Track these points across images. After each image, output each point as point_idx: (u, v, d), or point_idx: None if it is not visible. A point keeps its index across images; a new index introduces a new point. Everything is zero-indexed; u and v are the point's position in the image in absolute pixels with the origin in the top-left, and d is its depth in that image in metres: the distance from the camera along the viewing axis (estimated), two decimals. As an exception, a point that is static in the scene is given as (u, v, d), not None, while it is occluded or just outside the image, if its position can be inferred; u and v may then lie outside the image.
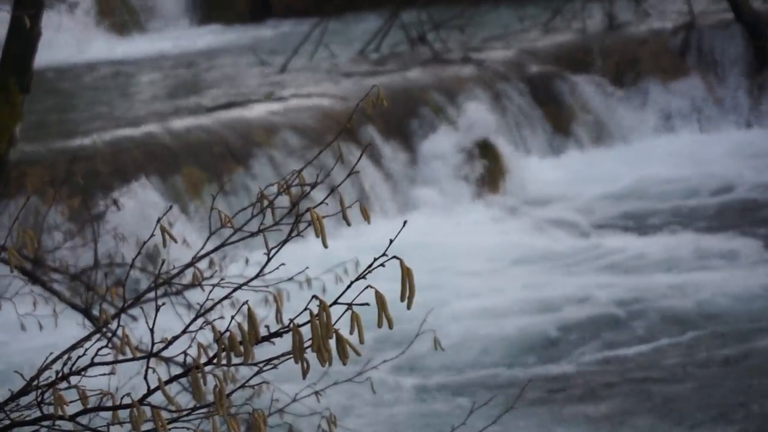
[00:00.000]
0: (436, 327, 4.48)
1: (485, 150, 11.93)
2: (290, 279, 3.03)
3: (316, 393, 3.72)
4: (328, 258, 4.45)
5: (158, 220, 2.17)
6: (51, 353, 2.49)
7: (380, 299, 2.06)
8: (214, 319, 2.48)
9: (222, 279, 2.33)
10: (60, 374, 2.45)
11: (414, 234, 10.15)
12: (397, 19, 15.33)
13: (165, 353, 2.53)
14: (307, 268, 3.08)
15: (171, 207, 2.54)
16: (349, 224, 2.38)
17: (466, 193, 11.48)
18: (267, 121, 11.12)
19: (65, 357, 2.53)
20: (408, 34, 15.14)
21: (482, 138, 12.05)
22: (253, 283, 2.65)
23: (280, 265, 2.40)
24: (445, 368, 7.38)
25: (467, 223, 10.79)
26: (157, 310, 2.17)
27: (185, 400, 3.47)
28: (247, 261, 4.70)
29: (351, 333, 2.10)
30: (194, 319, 2.19)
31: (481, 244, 10.08)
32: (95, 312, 5.27)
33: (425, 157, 11.71)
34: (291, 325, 1.97)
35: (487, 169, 11.80)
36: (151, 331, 2.16)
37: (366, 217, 2.68)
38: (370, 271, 2.06)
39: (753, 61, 13.46)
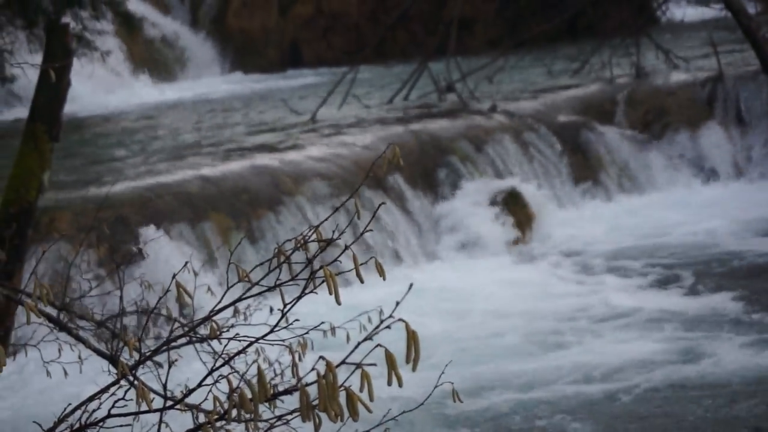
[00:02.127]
0: (457, 377, 4.48)
1: (512, 199, 11.96)
2: (307, 332, 3.06)
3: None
4: (360, 304, 4.50)
5: (173, 277, 2.22)
6: (69, 404, 2.53)
7: (390, 358, 2.09)
8: (230, 373, 2.52)
9: (237, 334, 2.36)
10: (77, 425, 2.49)
11: (440, 281, 10.15)
12: (425, 68, 15.44)
13: (191, 399, 2.57)
14: (323, 323, 3.11)
15: (186, 263, 2.59)
16: (362, 281, 2.42)
17: (493, 241, 11.49)
18: (296, 168, 11.20)
19: (84, 407, 2.57)
20: (436, 84, 15.24)
21: (509, 187, 12.09)
22: (276, 330, 2.69)
23: (294, 321, 2.44)
24: (465, 418, 7.37)
25: (494, 272, 10.79)
26: (170, 366, 2.21)
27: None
28: (271, 310, 4.74)
29: (361, 391, 2.13)
30: (207, 375, 2.23)
31: (507, 292, 10.06)
32: (122, 358, 5.31)
33: (452, 206, 11.75)
34: (299, 385, 2.00)
35: (515, 218, 11.82)
36: (164, 386, 2.20)
37: (381, 273, 2.73)
38: (377, 332, 2.10)
39: (780, 113, 13.47)
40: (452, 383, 4.08)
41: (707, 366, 7.79)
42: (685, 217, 11.99)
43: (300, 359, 3.29)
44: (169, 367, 2.27)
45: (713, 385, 7.46)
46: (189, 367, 4.65)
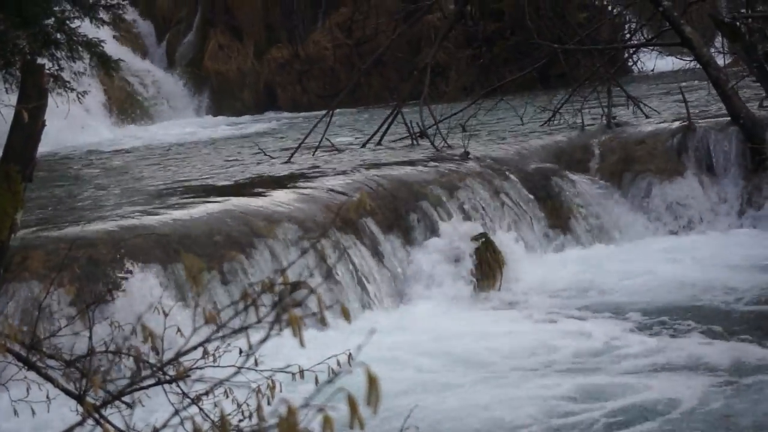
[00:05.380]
0: (424, 423, 4.54)
1: (483, 245, 12.03)
2: (273, 373, 3.08)
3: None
4: (328, 347, 4.54)
5: (139, 318, 2.27)
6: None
7: (352, 402, 2.14)
8: (196, 413, 2.56)
9: (203, 375, 2.41)
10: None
11: (408, 326, 10.14)
12: (399, 114, 15.57)
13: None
14: (288, 365, 3.16)
15: (155, 304, 2.64)
16: (325, 324, 2.48)
17: (463, 287, 11.55)
18: (268, 211, 11.24)
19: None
20: (409, 130, 15.36)
21: (481, 232, 12.16)
22: (244, 371, 2.73)
23: (259, 362, 2.49)
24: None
25: (464, 318, 10.83)
26: (133, 407, 2.26)
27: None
28: (240, 351, 4.78)
29: (324, 434, 2.18)
30: (173, 415, 2.28)
31: (476, 338, 10.10)
32: (89, 398, 5.33)
33: (423, 250, 11.80)
34: (260, 427, 2.05)
35: (485, 264, 11.88)
36: (128, 426, 2.24)
37: (346, 316, 2.79)
38: (337, 377, 2.15)
39: (749, 163, 13.64)
40: (417, 428, 4.15)
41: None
42: (654, 265, 12.08)
43: (269, 403, 3.33)
44: (134, 406, 2.32)
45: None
46: (157, 407, 4.68)
